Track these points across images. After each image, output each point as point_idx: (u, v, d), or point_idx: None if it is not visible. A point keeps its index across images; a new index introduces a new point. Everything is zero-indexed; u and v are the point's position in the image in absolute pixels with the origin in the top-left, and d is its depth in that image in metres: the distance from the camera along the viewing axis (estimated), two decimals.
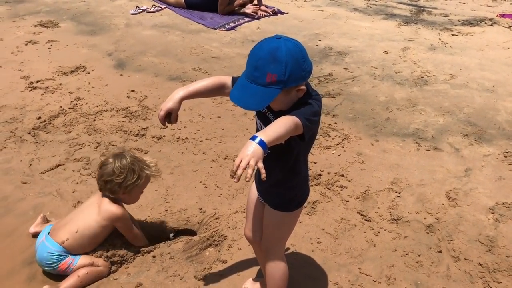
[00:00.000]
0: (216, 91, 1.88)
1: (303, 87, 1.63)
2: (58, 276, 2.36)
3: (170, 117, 1.82)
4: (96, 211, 2.37)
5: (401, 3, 7.92)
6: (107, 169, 2.35)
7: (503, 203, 2.98)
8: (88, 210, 2.41)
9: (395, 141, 3.68)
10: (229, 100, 1.66)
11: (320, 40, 5.81)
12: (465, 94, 4.44)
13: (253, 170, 1.41)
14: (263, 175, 1.43)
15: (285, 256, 2.09)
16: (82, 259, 2.35)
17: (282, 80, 1.55)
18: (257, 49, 1.60)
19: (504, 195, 3.07)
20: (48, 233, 2.39)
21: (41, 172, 3.18)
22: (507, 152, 3.53)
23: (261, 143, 1.44)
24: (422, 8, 7.54)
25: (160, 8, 6.84)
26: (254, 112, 1.88)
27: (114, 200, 2.41)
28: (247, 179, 1.44)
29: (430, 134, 3.77)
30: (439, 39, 5.97)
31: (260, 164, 1.42)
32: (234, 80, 1.86)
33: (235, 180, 1.42)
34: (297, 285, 2.36)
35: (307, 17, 6.74)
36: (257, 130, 1.85)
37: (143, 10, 6.71)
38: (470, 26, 6.60)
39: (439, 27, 6.47)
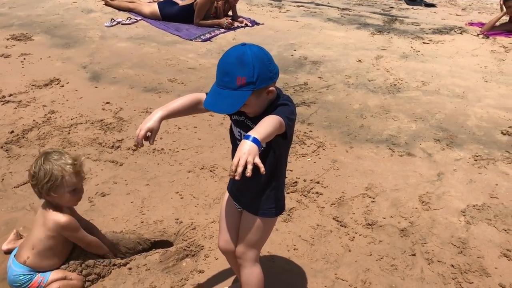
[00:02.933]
0: (194, 108, 1.89)
1: (272, 88, 1.71)
2: None
3: (148, 137, 1.81)
4: (41, 222, 2.29)
5: (374, 13, 8.09)
6: (29, 172, 2.26)
7: (474, 205, 3.06)
8: (37, 223, 2.33)
9: (369, 147, 3.74)
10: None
11: (295, 50, 5.88)
12: (437, 101, 4.55)
13: (252, 165, 1.45)
14: (262, 169, 1.47)
15: (259, 263, 2.09)
16: (53, 275, 2.30)
17: (251, 82, 1.63)
18: (225, 57, 1.67)
19: (475, 198, 3.15)
20: (14, 255, 2.35)
21: (14, 187, 3.13)
22: (477, 156, 3.62)
23: (255, 140, 1.50)
24: (394, 18, 7.72)
25: (135, 20, 6.84)
26: (229, 122, 1.91)
27: (54, 207, 2.30)
28: (248, 174, 1.45)
29: (403, 140, 3.85)
30: (411, 47, 6.11)
31: (257, 160, 1.48)
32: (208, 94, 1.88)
33: (237, 177, 1.45)
34: None
35: (282, 28, 6.83)
36: (235, 140, 1.90)
37: (118, 23, 6.69)
38: (441, 35, 6.78)
39: (411, 36, 6.63)
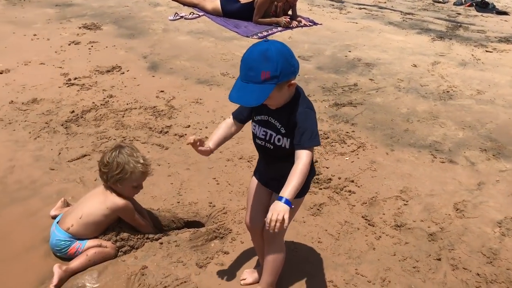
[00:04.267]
0: (229, 135, 2.14)
1: (294, 81, 1.83)
2: (70, 259, 2.54)
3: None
4: (101, 200, 2.52)
5: (438, 18, 7.88)
6: (102, 158, 2.51)
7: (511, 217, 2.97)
8: (93, 198, 2.56)
9: (410, 151, 3.70)
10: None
11: (349, 51, 5.88)
12: (490, 110, 4.40)
13: (281, 223, 1.74)
14: (286, 224, 1.76)
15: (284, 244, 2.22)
16: (90, 242, 2.51)
17: (275, 76, 1.75)
18: (249, 53, 1.80)
19: None
20: (57, 222, 2.59)
21: (68, 161, 3.42)
22: None
23: (287, 202, 1.77)
24: (459, 24, 7.48)
25: (198, 15, 7.12)
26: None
27: (118, 193, 2.55)
28: (274, 231, 1.76)
29: (447, 147, 3.77)
30: (472, 55, 5.92)
31: (286, 216, 1.75)
32: (234, 114, 2.13)
33: (271, 231, 1.77)
34: (292, 280, 2.45)
35: (340, 29, 6.83)
36: (259, 142, 2.05)
37: (181, 17, 6.99)
38: (507, 43, 6.50)
39: (473, 43, 6.41)
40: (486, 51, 6.11)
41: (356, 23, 7.23)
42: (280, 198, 1.78)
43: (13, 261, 2.51)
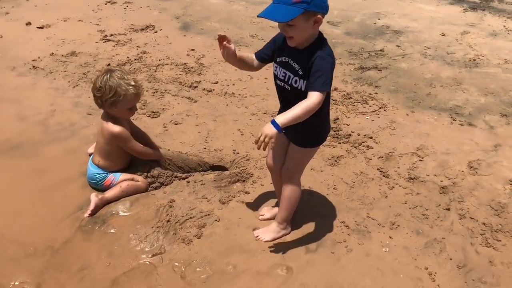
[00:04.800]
0: (249, 65, 2.31)
1: (320, 17, 1.95)
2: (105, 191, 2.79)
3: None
4: (100, 132, 2.71)
5: None
6: (94, 83, 2.63)
7: None
8: (98, 132, 2.75)
9: (430, 114, 3.80)
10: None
11: (379, 19, 5.91)
12: None
13: (267, 144, 1.95)
14: (272, 145, 1.98)
15: (300, 184, 2.42)
16: (123, 176, 2.76)
17: (306, 1, 1.88)
18: None
19: None
20: (91, 158, 2.84)
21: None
22: None
23: (276, 125, 1.94)
24: None
25: None
26: None
27: (111, 119, 2.67)
28: (264, 149, 1.99)
29: (467, 111, 3.85)
30: (504, 26, 5.86)
31: (272, 140, 1.95)
32: (256, 54, 2.30)
33: (258, 149, 1.98)
34: (307, 219, 2.63)
35: None
36: (279, 82, 2.20)
37: None
38: None
39: (507, 15, 6.31)
40: None
41: None
42: (273, 121, 1.95)
43: (54, 190, 2.78)
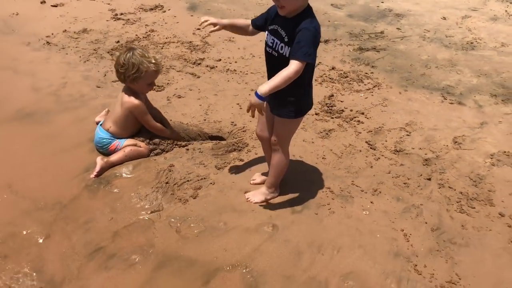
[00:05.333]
0: (243, 30, 2.57)
1: None
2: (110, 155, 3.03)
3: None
4: (119, 102, 2.95)
5: None
6: (117, 60, 2.89)
7: (505, 152, 3.23)
8: (117, 102, 2.99)
9: (422, 92, 3.96)
10: None
11: (382, 2, 6.03)
12: (509, 61, 4.54)
13: (254, 113, 2.24)
14: (263, 114, 2.29)
15: (288, 153, 2.62)
16: (127, 141, 2.99)
17: None
18: None
19: (510, 146, 3.30)
20: (101, 124, 3.07)
21: (112, 81, 3.88)
22: None
23: (257, 95, 2.17)
24: None
25: None
26: None
27: (132, 93, 2.93)
28: (253, 117, 2.32)
29: (459, 91, 4.00)
30: (506, 11, 5.94)
31: (258, 109, 2.22)
32: (252, 20, 2.51)
33: (250, 116, 2.31)
34: (296, 185, 2.84)
35: None
36: (268, 46, 2.37)
37: None
38: None
39: (511, 0, 6.38)
40: None
41: None
42: (256, 93, 2.17)
43: (64, 154, 3.02)
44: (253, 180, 2.87)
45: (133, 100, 2.92)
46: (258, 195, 2.73)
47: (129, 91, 2.97)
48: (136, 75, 2.85)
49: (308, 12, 2.25)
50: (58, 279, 2.20)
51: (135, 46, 2.95)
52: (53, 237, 2.43)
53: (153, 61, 2.89)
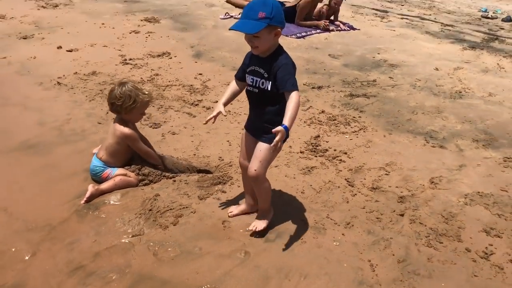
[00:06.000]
0: (236, 91, 2.82)
1: (280, 31, 2.44)
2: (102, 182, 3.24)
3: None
4: (112, 132, 3.20)
5: (477, 31, 8.08)
6: (112, 94, 3.15)
7: (479, 192, 3.34)
8: (109, 133, 3.25)
9: (406, 136, 4.14)
10: None
11: (378, 54, 6.33)
12: (495, 110, 4.72)
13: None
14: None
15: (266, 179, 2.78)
16: (118, 171, 3.21)
17: (269, 17, 2.37)
18: (252, 2, 2.45)
19: (484, 188, 3.42)
20: (96, 154, 3.31)
21: (113, 118, 4.14)
22: (508, 158, 3.82)
23: (285, 127, 2.35)
24: (495, 37, 7.66)
25: None
26: None
27: (123, 123, 3.18)
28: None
29: (442, 136, 4.16)
30: (497, 64, 6.17)
31: (280, 139, 2.36)
32: (235, 76, 2.78)
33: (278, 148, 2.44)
34: (274, 218, 2.98)
35: (376, 34, 7.27)
36: (249, 86, 2.64)
37: (231, 16, 7.73)
38: None
39: (503, 54, 6.63)
40: None
41: (394, 30, 7.63)
42: (284, 126, 2.34)
43: (59, 182, 3.23)
44: (231, 212, 3.02)
45: (125, 130, 3.17)
46: (260, 223, 2.84)
47: (120, 121, 3.22)
48: (132, 106, 3.13)
49: (280, 50, 2.53)
50: None
51: (125, 80, 3.24)
52: (39, 255, 2.60)
53: (146, 92, 3.22)
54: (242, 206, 3.03)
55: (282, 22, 2.45)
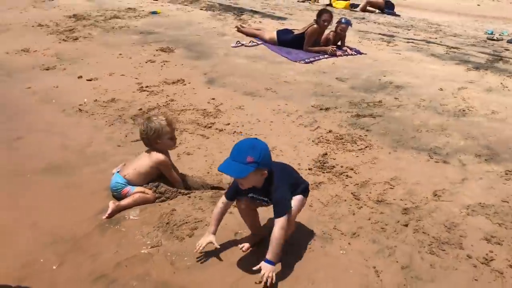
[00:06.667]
0: (224, 212, 2.92)
1: (266, 172, 2.61)
2: (122, 199, 3.46)
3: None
4: (147, 156, 3.47)
5: (482, 52, 8.28)
6: (140, 131, 3.52)
7: (480, 203, 3.48)
8: (142, 156, 3.52)
9: (410, 152, 4.31)
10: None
11: (384, 76, 6.55)
12: (497, 127, 4.87)
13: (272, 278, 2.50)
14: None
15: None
16: (137, 189, 3.44)
17: (256, 162, 2.52)
18: (241, 143, 2.65)
19: (486, 199, 3.55)
20: (118, 172, 3.55)
21: (132, 141, 4.42)
22: (510, 171, 3.95)
23: (271, 262, 2.53)
24: (500, 58, 7.84)
25: (256, 43, 8.15)
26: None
27: (159, 151, 3.48)
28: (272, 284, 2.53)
29: (445, 152, 4.32)
30: (501, 83, 6.33)
31: (272, 275, 2.50)
32: (226, 196, 2.87)
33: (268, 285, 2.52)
34: None
35: (382, 58, 7.51)
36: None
37: (242, 45, 8.05)
38: None
39: (508, 74, 6.79)
40: None
41: (400, 54, 7.87)
42: (266, 261, 2.52)
43: (82, 199, 3.47)
44: (243, 246, 3.02)
45: (161, 156, 3.48)
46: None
47: (157, 150, 3.51)
48: (156, 135, 3.44)
49: (271, 176, 2.66)
50: None
51: (148, 115, 3.57)
52: (65, 265, 2.82)
53: (163, 118, 3.51)
54: (250, 237, 3.11)
55: (269, 164, 2.61)
